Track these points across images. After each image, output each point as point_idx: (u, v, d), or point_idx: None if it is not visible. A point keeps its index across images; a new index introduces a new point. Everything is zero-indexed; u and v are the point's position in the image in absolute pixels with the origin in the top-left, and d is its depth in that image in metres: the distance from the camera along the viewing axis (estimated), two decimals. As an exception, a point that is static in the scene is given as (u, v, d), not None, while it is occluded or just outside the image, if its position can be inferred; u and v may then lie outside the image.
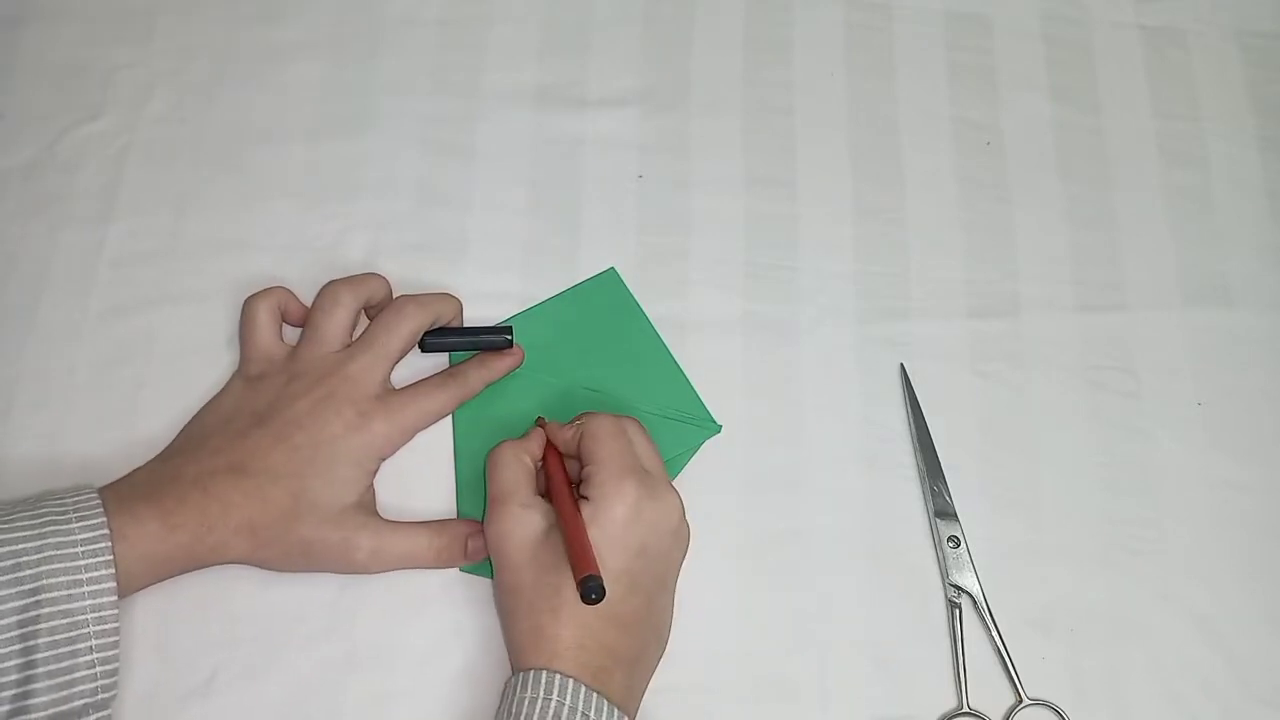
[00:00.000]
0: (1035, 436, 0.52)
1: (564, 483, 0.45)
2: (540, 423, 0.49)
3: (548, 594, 0.42)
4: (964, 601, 0.49)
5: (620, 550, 0.42)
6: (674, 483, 0.46)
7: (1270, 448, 0.53)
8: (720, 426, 0.51)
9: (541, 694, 0.40)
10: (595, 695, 0.40)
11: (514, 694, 0.41)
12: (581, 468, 0.46)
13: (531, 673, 0.41)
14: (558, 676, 0.40)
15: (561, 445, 0.47)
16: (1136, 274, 0.56)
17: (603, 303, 0.53)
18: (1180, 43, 0.62)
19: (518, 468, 0.46)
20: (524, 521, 0.44)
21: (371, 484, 0.47)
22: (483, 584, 0.47)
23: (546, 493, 0.46)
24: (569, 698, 0.40)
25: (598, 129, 0.57)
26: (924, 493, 0.51)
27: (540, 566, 0.43)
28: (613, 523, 0.43)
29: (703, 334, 0.53)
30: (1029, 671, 0.48)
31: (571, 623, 0.42)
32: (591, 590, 0.39)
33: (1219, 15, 0.63)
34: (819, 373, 0.53)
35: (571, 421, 0.47)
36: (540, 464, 0.47)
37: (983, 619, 0.48)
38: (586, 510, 0.43)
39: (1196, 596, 0.50)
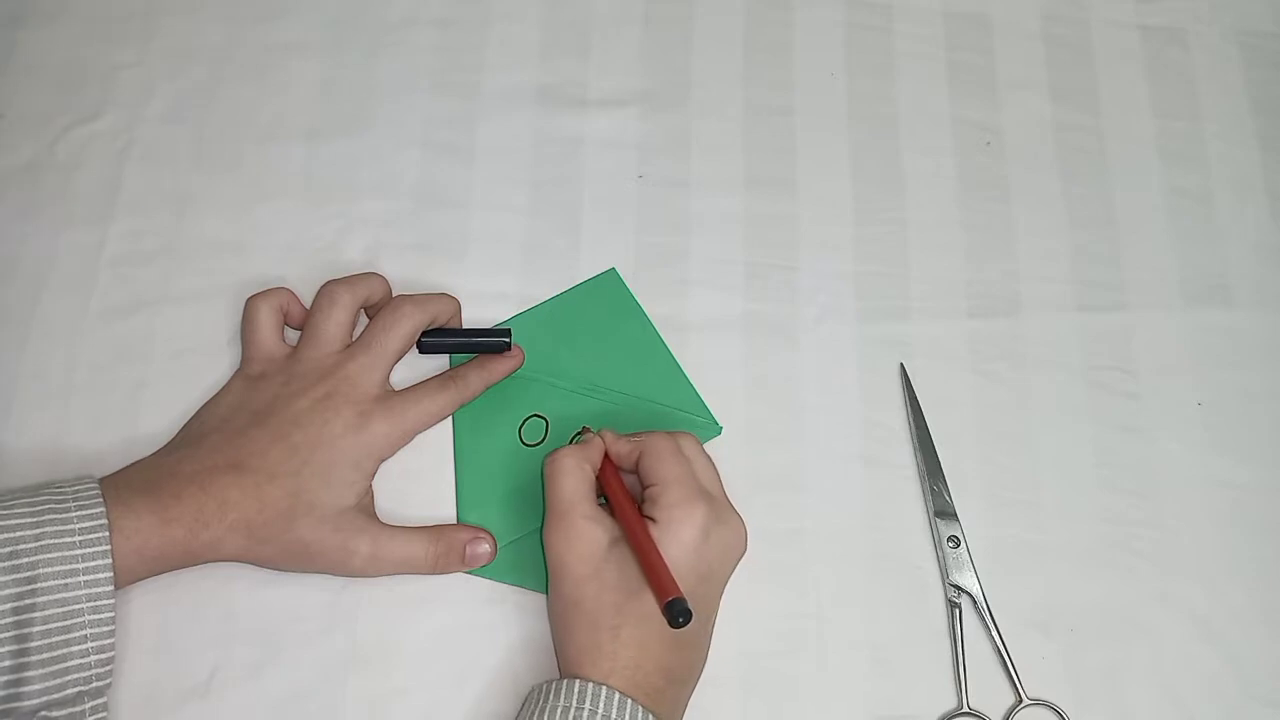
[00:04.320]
0: (1035, 436, 0.52)
1: (629, 500, 0.44)
2: (584, 431, 0.48)
3: (609, 612, 0.42)
4: (964, 601, 0.49)
5: (687, 574, 0.42)
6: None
7: (1270, 448, 0.53)
8: (721, 427, 0.51)
9: (574, 703, 0.39)
10: (630, 702, 0.40)
11: (546, 700, 0.40)
12: (643, 486, 0.45)
13: (565, 681, 0.40)
14: (590, 685, 0.40)
15: (618, 459, 0.46)
16: (1136, 274, 0.56)
17: (603, 303, 0.53)
18: (1180, 43, 0.62)
19: (580, 477, 0.45)
20: (588, 535, 0.43)
21: (370, 487, 0.47)
22: (483, 584, 0.47)
23: (604, 502, 0.45)
24: (601, 705, 0.39)
25: (598, 129, 0.57)
26: (924, 493, 0.51)
27: (602, 583, 0.42)
28: (681, 546, 0.42)
29: (703, 334, 0.53)
30: (1029, 671, 0.48)
31: (632, 642, 0.41)
32: (679, 614, 0.38)
33: (1219, 15, 0.62)
34: (819, 373, 0.53)
35: (630, 436, 0.47)
36: (597, 473, 0.46)
37: (983, 619, 0.48)
38: (654, 532, 0.42)
39: (1196, 596, 0.50)
